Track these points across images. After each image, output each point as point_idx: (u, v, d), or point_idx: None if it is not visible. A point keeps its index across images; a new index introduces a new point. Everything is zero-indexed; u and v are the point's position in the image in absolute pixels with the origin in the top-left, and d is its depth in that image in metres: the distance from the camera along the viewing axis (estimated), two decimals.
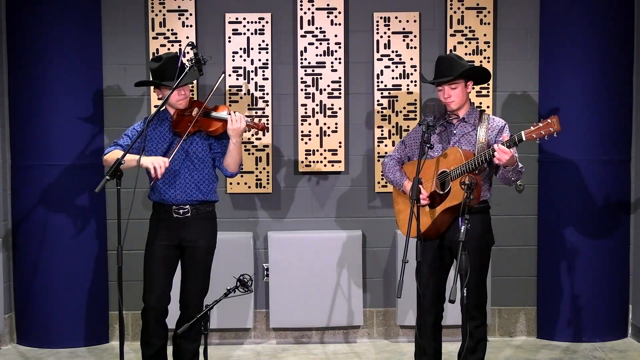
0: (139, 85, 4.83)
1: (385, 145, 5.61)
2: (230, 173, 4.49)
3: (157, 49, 5.52)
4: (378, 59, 5.61)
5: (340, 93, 5.62)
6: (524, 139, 4.08)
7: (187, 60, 4.31)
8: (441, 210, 4.31)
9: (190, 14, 5.55)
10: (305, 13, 5.58)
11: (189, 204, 4.41)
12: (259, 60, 5.59)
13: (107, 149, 4.53)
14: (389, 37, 5.59)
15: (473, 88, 4.51)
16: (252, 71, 5.59)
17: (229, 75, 5.58)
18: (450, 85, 4.36)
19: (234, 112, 4.36)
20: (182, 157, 4.39)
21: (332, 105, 5.62)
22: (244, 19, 5.58)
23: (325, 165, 5.64)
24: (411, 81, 5.61)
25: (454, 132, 4.40)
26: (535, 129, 4.06)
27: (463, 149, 4.31)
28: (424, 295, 4.32)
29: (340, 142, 5.64)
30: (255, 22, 5.58)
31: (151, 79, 4.53)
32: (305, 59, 5.60)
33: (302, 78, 5.61)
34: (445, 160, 4.34)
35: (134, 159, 4.26)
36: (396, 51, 5.60)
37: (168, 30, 5.55)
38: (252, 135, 5.53)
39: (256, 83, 5.60)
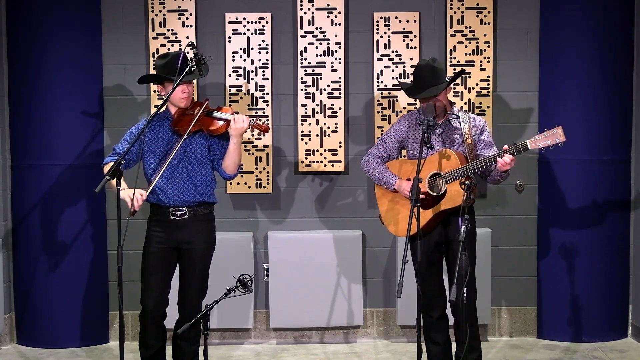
0: (142, 82, 4.66)
1: None
2: (228, 175, 4.47)
3: (157, 49, 5.52)
4: (378, 59, 5.61)
5: (340, 93, 5.62)
6: (528, 147, 4.16)
7: (190, 59, 4.30)
8: (436, 212, 4.31)
9: (190, 14, 5.55)
10: (305, 13, 5.58)
11: (186, 205, 4.39)
12: (259, 60, 5.60)
13: (106, 157, 4.52)
14: (389, 37, 5.59)
15: (457, 85, 4.52)
16: (252, 71, 5.59)
17: (229, 75, 5.58)
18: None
19: (237, 112, 4.37)
20: (180, 157, 4.37)
21: (332, 105, 5.62)
22: (244, 19, 5.58)
23: (325, 165, 5.64)
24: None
25: (437, 131, 4.42)
26: (541, 138, 4.16)
27: (457, 152, 4.33)
28: (424, 294, 4.33)
29: (340, 142, 5.64)
30: (255, 22, 5.58)
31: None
32: (305, 59, 5.60)
33: (302, 78, 5.61)
34: (437, 162, 4.34)
35: (115, 187, 4.13)
36: (396, 51, 5.60)
37: (168, 30, 5.55)
38: (252, 135, 5.53)
39: (256, 83, 5.60)
